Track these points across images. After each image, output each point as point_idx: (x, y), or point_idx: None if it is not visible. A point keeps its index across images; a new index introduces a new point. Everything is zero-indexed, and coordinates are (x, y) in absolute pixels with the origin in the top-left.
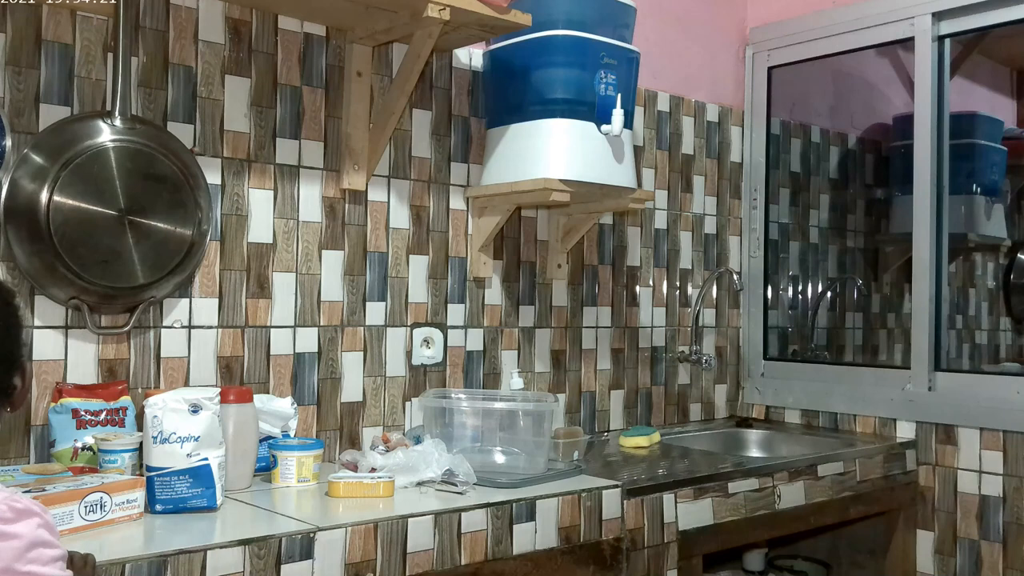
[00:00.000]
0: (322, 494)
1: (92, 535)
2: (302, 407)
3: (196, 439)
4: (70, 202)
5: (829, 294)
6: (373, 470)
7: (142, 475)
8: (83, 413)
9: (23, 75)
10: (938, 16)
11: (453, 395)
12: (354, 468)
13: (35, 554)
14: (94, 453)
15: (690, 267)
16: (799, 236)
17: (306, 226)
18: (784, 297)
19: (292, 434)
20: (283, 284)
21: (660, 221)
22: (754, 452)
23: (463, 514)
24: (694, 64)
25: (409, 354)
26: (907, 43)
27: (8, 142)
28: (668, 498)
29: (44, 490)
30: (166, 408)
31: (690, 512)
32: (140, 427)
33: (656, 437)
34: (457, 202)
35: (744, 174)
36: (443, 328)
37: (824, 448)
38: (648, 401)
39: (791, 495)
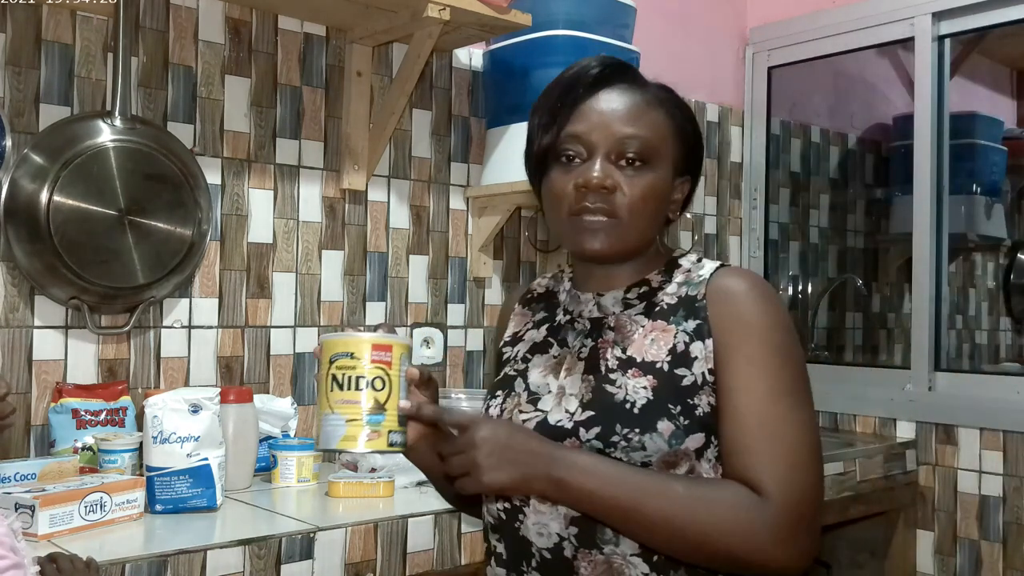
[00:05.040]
0: (322, 494)
1: (92, 535)
2: (302, 407)
3: (196, 439)
4: (70, 202)
5: (829, 294)
6: (373, 470)
7: (142, 475)
8: (83, 413)
9: (23, 75)
10: (938, 16)
11: (453, 395)
12: (354, 468)
13: None
14: (94, 453)
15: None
16: (799, 236)
17: (306, 226)
18: (784, 297)
19: (292, 434)
20: (283, 284)
21: None
22: None
23: (463, 514)
24: (694, 64)
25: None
26: (907, 43)
27: (8, 142)
28: None
29: (44, 490)
30: (166, 408)
31: None
32: (140, 427)
33: None
34: (457, 202)
35: (744, 174)
36: (443, 328)
37: (824, 448)
38: None
39: None
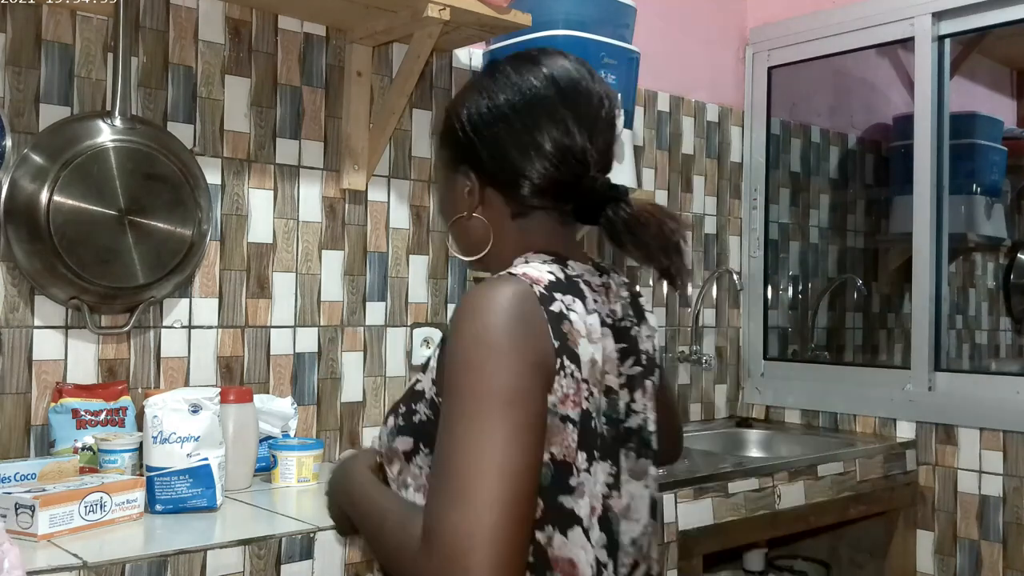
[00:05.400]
0: (322, 494)
1: (92, 535)
2: (302, 407)
3: (196, 439)
4: (70, 202)
5: (829, 294)
6: None
7: (142, 475)
8: (83, 413)
9: (23, 75)
10: (938, 16)
11: None
12: None
13: None
14: (94, 453)
15: (690, 267)
16: (799, 236)
17: (306, 226)
18: (784, 297)
19: (292, 434)
20: (283, 284)
21: None
22: (754, 452)
23: None
24: (694, 64)
25: (409, 354)
26: (907, 43)
27: (8, 142)
28: (668, 498)
29: (44, 490)
30: (166, 408)
31: (690, 512)
32: (140, 427)
33: None
34: None
35: (744, 174)
36: (443, 328)
37: (824, 448)
38: None
39: (791, 495)
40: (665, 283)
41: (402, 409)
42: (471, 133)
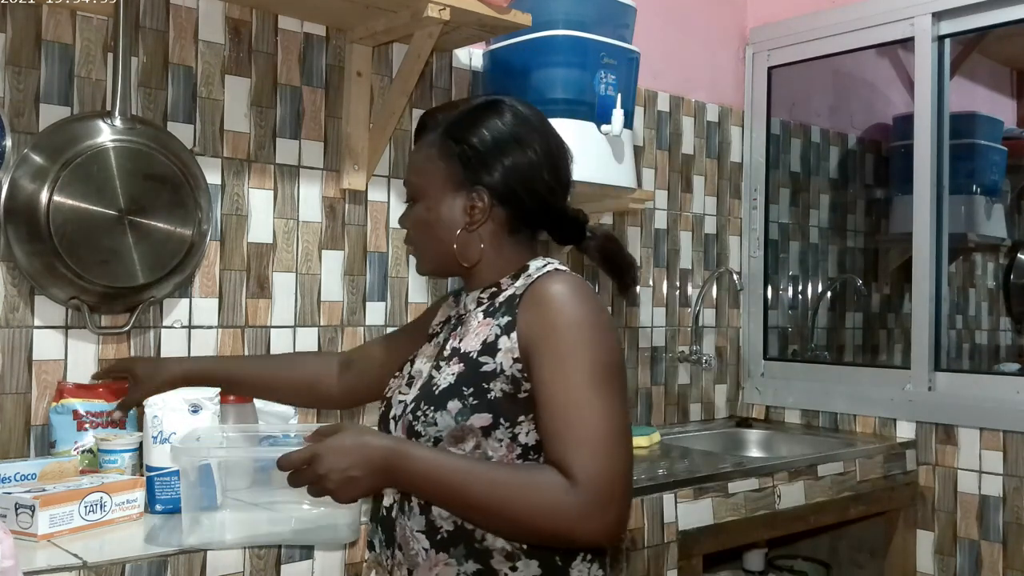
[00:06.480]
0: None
1: (92, 535)
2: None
3: (196, 439)
4: (70, 202)
5: (829, 294)
6: None
7: (142, 475)
8: (84, 413)
9: (23, 75)
10: (938, 16)
11: None
12: None
13: None
14: (94, 456)
15: (690, 267)
16: (799, 236)
17: (306, 226)
18: (784, 297)
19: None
20: (283, 284)
21: (660, 221)
22: (754, 452)
23: None
24: (694, 64)
25: None
26: (907, 43)
27: (8, 142)
28: (668, 498)
29: (44, 490)
30: (166, 408)
31: (690, 512)
32: (140, 427)
33: (656, 437)
34: None
35: (744, 174)
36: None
37: (824, 448)
38: (648, 401)
39: (791, 495)
40: (664, 282)
41: (468, 390)
42: (498, 155)
